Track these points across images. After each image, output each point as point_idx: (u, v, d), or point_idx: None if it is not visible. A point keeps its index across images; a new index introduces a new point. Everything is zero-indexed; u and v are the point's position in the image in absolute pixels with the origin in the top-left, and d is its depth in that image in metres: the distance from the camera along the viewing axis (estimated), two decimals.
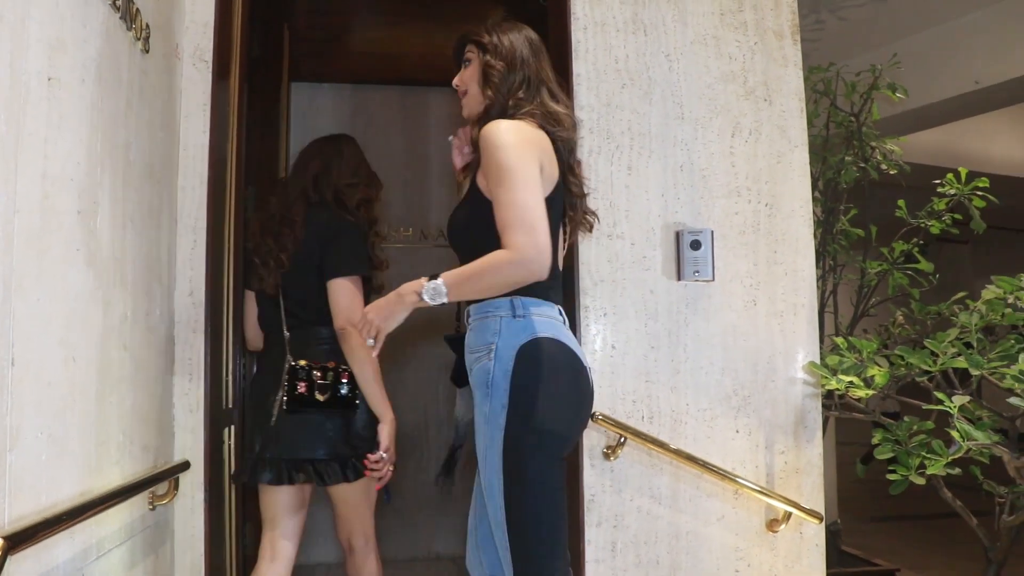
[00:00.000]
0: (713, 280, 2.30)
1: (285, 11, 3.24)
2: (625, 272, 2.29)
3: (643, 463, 2.25)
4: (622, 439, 2.16)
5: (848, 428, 3.76)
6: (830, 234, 3.47)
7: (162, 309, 1.99)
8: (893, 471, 2.11)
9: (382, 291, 2.07)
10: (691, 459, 2.19)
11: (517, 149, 1.47)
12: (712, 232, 2.30)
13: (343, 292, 1.97)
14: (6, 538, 1.08)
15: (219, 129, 2.15)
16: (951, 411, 1.94)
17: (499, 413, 1.49)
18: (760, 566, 2.27)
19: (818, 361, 2.32)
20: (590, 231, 1.82)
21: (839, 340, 2.30)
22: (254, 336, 2.23)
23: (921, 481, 2.09)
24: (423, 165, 4.04)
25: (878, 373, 2.13)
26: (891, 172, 3.46)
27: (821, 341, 2.47)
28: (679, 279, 2.30)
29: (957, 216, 3.15)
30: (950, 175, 3.02)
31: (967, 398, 1.99)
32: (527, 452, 1.47)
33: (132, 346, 1.74)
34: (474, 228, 1.55)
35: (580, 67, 2.33)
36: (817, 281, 2.78)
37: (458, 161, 1.79)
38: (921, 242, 3.28)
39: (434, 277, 1.48)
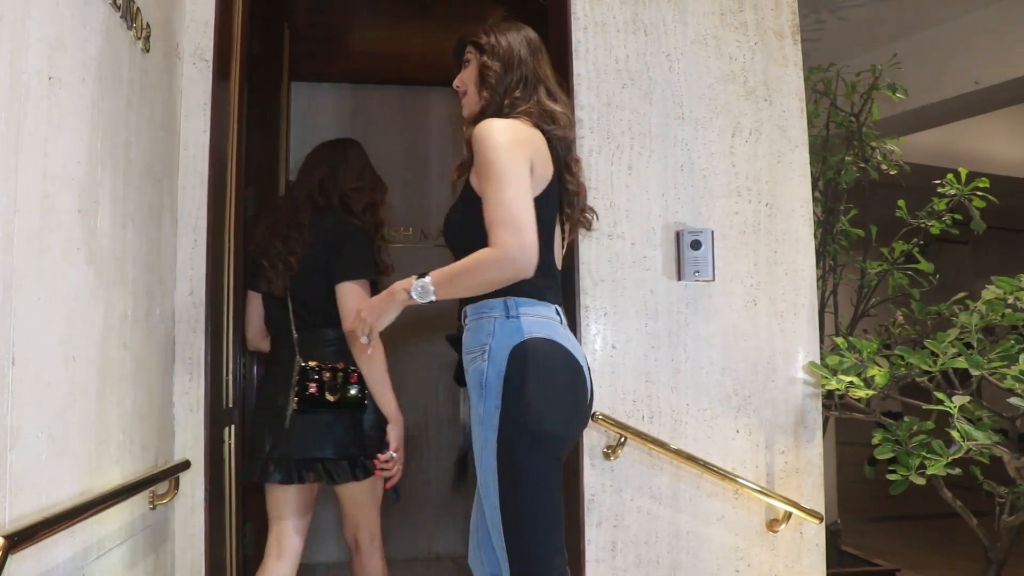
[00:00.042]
0: (713, 280, 2.30)
1: (285, 10, 3.24)
2: (625, 272, 2.29)
3: (643, 463, 2.25)
4: (622, 439, 2.16)
5: (848, 428, 3.76)
6: (830, 234, 3.47)
7: (162, 308, 1.99)
8: (893, 471, 2.11)
9: None
10: (691, 459, 2.19)
11: (507, 148, 1.47)
12: (712, 232, 2.30)
13: (351, 296, 1.99)
14: (7, 537, 1.08)
15: (219, 128, 2.15)
16: (951, 411, 1.94)
17: (493, 414, 1.49)
18: (760, 566, 2.27)
19: (818, 361, 2.32)
20: (588, 229, 1.82)
21: (839, 340, 2.30)
22: (255, 336, 2.25)
23: (921, 481, 2.09)
24: (423, 165, 4.04)
25: (878, 373, 2.13)
26: (891, 172, 3.46)
27: (821, 341, 2.47)
28: (679, 279, 2.30)
29: (957, 216, 3.15)
30: (950, 175, 3.02)
31: (967, 398, 1.99)
32: (521, 453, 1.48)
33: (132, 345, 1.74)
34: (467, 227, 1.55)
35: (580, 67, 2.33)
36: (817, 281, 2.78)
37: None
38: (921, 242, 3.28)
39: (424, 275, 1.50)
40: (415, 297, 1.50)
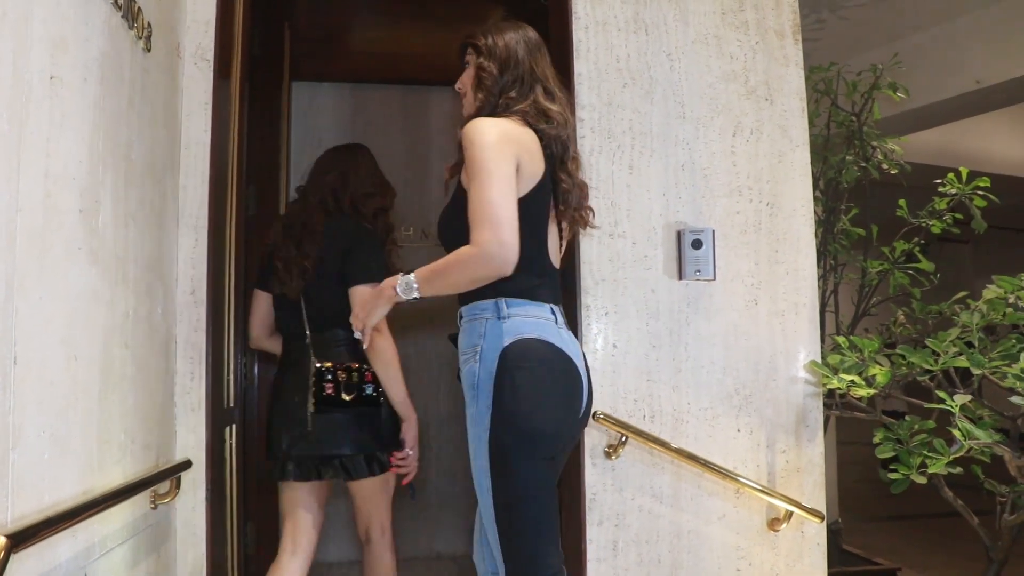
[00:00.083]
0: (714, 279, 2.30)
1: (286, 10, 3.24)
2: (626, 271, 2.29)
3: (644, 462, 2.25)
4: (623, 438, 2.16)
5: (849, 427, 3.76)
6: (831, 233, 3.47)
7: (164, 308, 1.99)
8: (894, 470, 2.11)
9: None
10: (692, 458, 2.19)
11: (492, 147, 1.48)
12: (713, 231, 2.30)
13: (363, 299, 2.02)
14: (9, 537, 1.08)
15: (220, 127, 2.15)
16: (952, 410, 1.95)
17: (484, 414, 1.51)
18: (761, 565, 2.27)
19: (819, 360, 2.32)
20: (585, 227, 1.82)
21: (840, 339, 2.30)
22: (259, 334, 2.27)
23: (922, 480, 2.09)
24: (423, 164, 4.04)
25: (879, 372, 2.13)
26: (892, 172, 3.46)
27: (822, 340, 2.47)
28: (680, 278, 2.30)
29: (958, 216, 3.15)
30: (951, 175, 3.02)
31: (968, 397, 1.99)
32: (512, 453, 1.49)
33: (134, 345, 1.74)
34: (458, 226, 1.56)
35: (581, 66, 2.33)
36: (818, 280, 2.78)
37: None
38: (922, 241, 3.28)
39: (409, 272, 1.54)
40: (400, 293, 1.55)
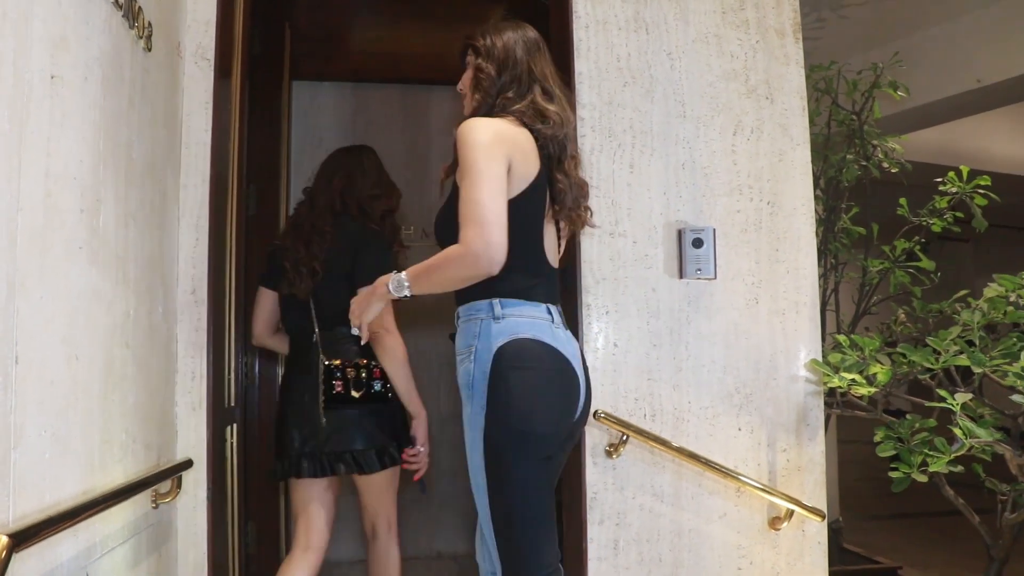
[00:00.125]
0: (715, 278, 2.30)
1: (286, 9, 3.24)
2: (627, 270, 2.29)
3: (645, 461, 2.25)
4: (624, 437, 2.16)
5: (850, 426, 3.76)
6: (832, 232, 3.47)
7: (165, 307, 1.99)
8: (895, 469, 2.11)
9: None
10: (693, 457, 2.19)
11: (482, 147, 1.49)
12: (714, 230, 2.30)
13: None
14: (11, 536, 1.08)
15: (221, 127, 2.15)
16: (953, 409, 1.94)
17: (479, 415, 1.51)
18: (762, 564, 2.27)
19: (820, 359, 2.32)
20: (582, 227, 1.82)
21: (841, 338, 2.30)
22: (262, 332, 2.30)
23: (923, 479, 2.09)
24: (423, 164, 4.04)
25: (880, 371, 2.13)
26: (892, 170, 3.46)
27: (823, 339, 2.47)
28: (681, 277, 2.30)
29: (959, 214, 3.15)
30: (951, 173, 3.02)
31: (969, 396, 1.99)
32: (507, 453, 1.50)
33: (135, 344, 1.74)
34: (454, 225, 1.57)
35: (582, 65, 2.33)
36: (819, 279, 2.78)
37: None
38: (922, 240, 3.28)
39: (401, 271, 1.56)
40: (392, 291, 1.57)
